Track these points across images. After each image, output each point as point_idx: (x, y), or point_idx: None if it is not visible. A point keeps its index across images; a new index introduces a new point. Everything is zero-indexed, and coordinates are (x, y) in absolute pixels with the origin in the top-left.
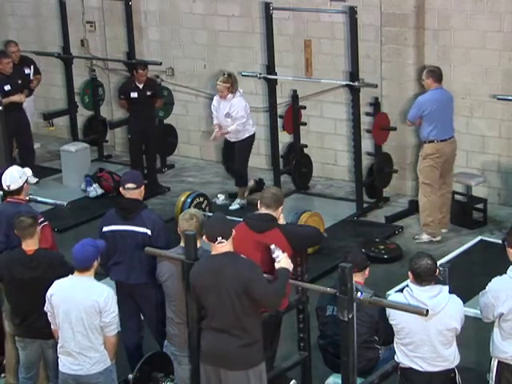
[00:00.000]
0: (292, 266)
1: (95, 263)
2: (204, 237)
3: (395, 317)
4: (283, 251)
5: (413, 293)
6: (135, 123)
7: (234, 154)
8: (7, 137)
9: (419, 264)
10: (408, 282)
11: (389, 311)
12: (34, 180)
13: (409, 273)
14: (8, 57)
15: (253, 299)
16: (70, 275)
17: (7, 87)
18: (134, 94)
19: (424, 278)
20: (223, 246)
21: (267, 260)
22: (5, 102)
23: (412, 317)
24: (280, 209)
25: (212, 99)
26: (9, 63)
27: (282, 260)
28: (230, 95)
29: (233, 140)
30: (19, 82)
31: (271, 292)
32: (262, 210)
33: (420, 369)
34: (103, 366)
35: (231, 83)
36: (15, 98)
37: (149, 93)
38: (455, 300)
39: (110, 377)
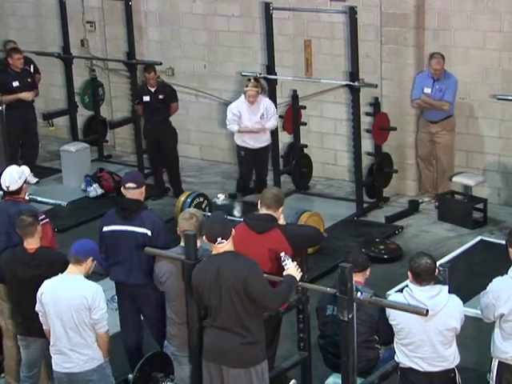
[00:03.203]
0: (300, 275)
1: (89, 261)
2: (204, 237)
3: (395, 317)
4: (293, 260)
5: (412, 293)
6: (148, 127)
7: (257, 161)
8: (13, 135)
9: (419, 263)
10: (408, 281)
11: (389, 311)
12: (34, 180)
13: (408, 272)
14: (19, 52)
15: (251, 298)
16: (60, 274)
17: (16, 83)
18: (146, 98)
19: (423, 277)
20: (223, 246)
21: (267, 260)
22: (12, 99)
23: (412, 317)
24: (280, 209)
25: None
26: (19, 59)
27: (291, 268)
28: (258, 98)
29: (258, 146)
30: (29, 80)
31: (270, 292)
32: (263, 211)
33: (420, 369)
34: (96, 362)
35: (259, 85)
36: (23, 95)
37: (161, 96)
38: (455, 300)
39: (105, 374)
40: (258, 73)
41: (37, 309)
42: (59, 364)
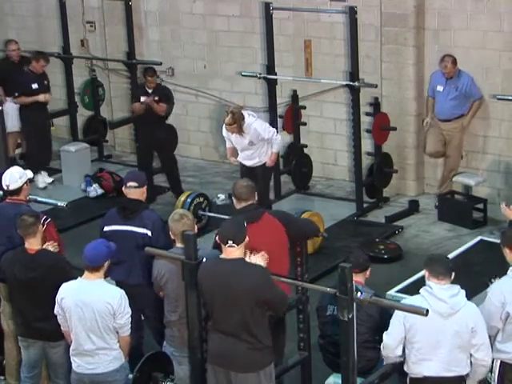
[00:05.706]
0: (266, 261)
1: (105, 264)
2: (217, 237)
3: (408, 319)
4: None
5: (433, 291)
6: (143, 129)
7: (254, 177)
8: (29, 135)
9: (434, 258)
10: (407, 280)
11: (402, 316)
12: (49, 180)
13: (424, 271)
14: (46, 60)
15: (265, 304)
16: (79, 278)
17: (35, 86)
18: (143, 99)
19: (439, 270)
20: (234, 251)
21: (272, 244)
22: (31, 101)
23: (430, 316)
24: (256, 195)
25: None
26: (44, 67)
27: (257, 261)
28: (244, 125)
29: (250, 164)
30: (45, 82)
31: (283, 297)
32: (242, 205)
33: (432, 374)
34: (119, 362)
35: (237, 120)
36: (40, 97)
37: (156, 98)
38: (472, 304)
39: (126, 373)
40: (258, 73)
41: (56, 312)
42: (82, 365)
